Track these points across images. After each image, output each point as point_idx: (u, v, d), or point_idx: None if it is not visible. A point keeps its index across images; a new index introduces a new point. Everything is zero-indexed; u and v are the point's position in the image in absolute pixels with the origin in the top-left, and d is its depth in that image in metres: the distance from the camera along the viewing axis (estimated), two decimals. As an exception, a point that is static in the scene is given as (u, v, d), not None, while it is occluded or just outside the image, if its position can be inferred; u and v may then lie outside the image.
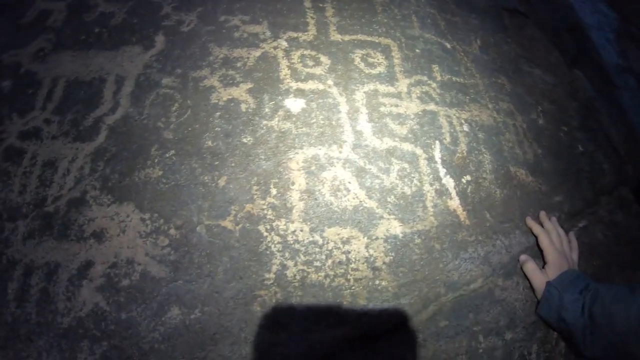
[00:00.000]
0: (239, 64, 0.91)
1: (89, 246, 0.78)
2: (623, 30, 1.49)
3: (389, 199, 0.82)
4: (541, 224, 0.94)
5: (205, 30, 0.97)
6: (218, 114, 0.86)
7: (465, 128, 0.95)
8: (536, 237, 0.91)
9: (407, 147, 0.87)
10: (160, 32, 0.99)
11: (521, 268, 0.88)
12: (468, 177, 0.90)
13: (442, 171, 0.88)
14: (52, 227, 0.80)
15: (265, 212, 0.78)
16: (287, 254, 0.76)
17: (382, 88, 0.92)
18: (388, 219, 0.80)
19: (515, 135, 1.01)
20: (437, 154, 0.89)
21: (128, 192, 0.81)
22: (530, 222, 0.93)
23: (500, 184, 0.94)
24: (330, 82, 0.90)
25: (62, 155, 0.88)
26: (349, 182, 0.81)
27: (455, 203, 0.86)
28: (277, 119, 0.85)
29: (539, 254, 0.91)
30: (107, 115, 0.91)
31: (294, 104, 0.86)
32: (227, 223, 0.78)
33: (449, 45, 1.04)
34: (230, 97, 0.88)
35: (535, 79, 1.13)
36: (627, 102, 1.32)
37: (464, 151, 0.92)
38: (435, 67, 0.99)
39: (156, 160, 0.83)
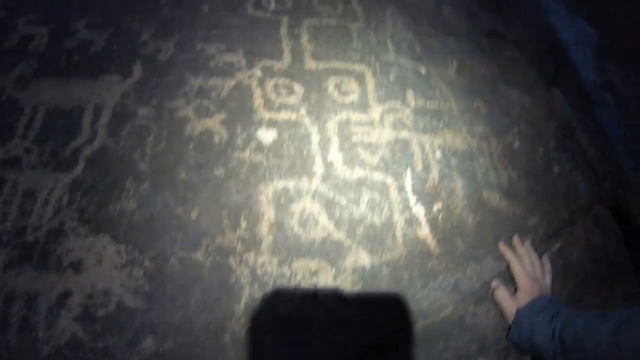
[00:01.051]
0: (213, 94, 0.93)
1: (67, 276, 0.80)
2: (602, 45, 1.49)
3: (358, 230, 0.83)
4: (514, 249, 0.95)
5: (182, 59, 0.98)
6: (192, 145, 0.88)
7: (438, 155, 0.96)
8: (508, 263, 0.93)
9: (378, 176, 0.89)
10: (138, 61, 1.01)
11: (492, 294, 0.89)
12: (439, 205, 0.91)
13: (412, 200, 0.89)
14: (31, 257, 0.82)
15: (235, 244, 0.79)
16: (256, 286, 0.78)
17: (355, 116, 0.93)
18: (356, 250, 0.82)
19: (490, 160, 1.02)
20: (408, 183, 0.90)
21: (104, 224, 0.83)
22: (503, 248, 0.94)
23: (473, 210, 0.95)
24: (303, 111, 0.91)
25: (42, 186, 0.90)
26: (318, 214, 0.82)
27: (425, 232, 0.88)
28: (249, 150, 0.86)
29: (511, 280, 0.93)
30: (85, 145, 0.93)
31: (266, 135, 0.88)
32: (199, 255, 0.80)
33: (424, 70, 1.05)
34: (204, 128, 0.89)
35: (512, 101, 1.14)
36: (604, 119, 1.32)
37: (435, 178, 0.93)
38: (410, 93, 1.00)
39: (131, 193, 0.85)
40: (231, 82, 0.94)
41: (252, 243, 0.80)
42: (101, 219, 0.84)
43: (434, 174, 0.93)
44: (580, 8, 1.61)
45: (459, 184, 0.95)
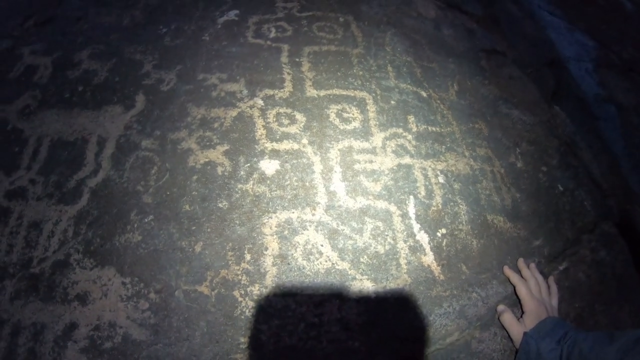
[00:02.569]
0: (215, 125, 0.94)
1: (73, 308, 0.81)
2: (602, 58, 1.48)
3: (361, 259, 0.83)
4: (519, 272, 0.95)
5: (184, 89, 0.99)
6: (195, 177, 0.89)
7: (441, 179, 0.96)
8: (514, 287, 0.92)
9: (381, 204, 0.89)
10: (141, 92, 1.02)
11: (498, 319, 0.89)
12: (443, 230, 0.91)
13: (416, 227, 0.89)
14: (38, 288, 0.83)
15: (240, 277, 0.80)
16: (261, 319, 0.78)
17: (357, 144, 0.93)
18: (361, 279, 0.82)
19: (493, 182, 1.02)
20: (412, 210, 0.90)
21: (109, 256, 0.84)
22: (508, 272, 0.94)
23: (477, 234, 0.95)
24: (305, 140, 0.92)
25: (47, 217, 0.91)
26: (322, 245, 0.82)
27: (429, 259, 0.87)
28: (251, 182, 0.87)
29: (517, 303, 0.92)
30: (89, 177, 0.94)
31: (269, 166, 0.88)
32: (204, 288, 0.80)
33: (424, 94, 1.05)
34: (207, 159, 0.90)
35: (514, 120, 1.14)
36: (608, 133, 1.31)
37: (439, 204, 0.93)
38: (411, 118, 1.00)
39: (136, 225, 0.86)
40: (233, 113, 0.95)
41: (257, 275, 0.80)
42: (106, 252, 0.85)
43: (437, 199, 0.93)
44: (578, 21, 1.62)
45: (462, 209, 0.95)
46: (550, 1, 1.58)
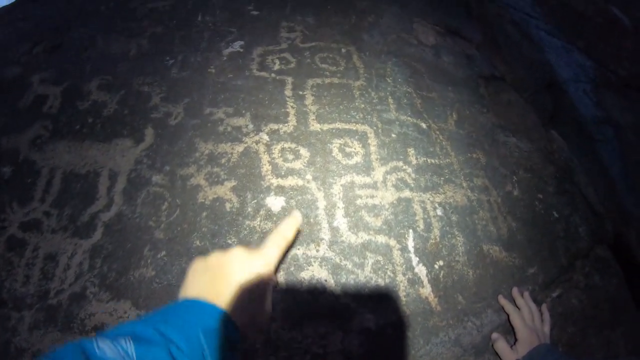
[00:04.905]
0: (223, 160, 0.97)
1: (90, 339, 0.86)
2: (599, 77, 1.51)
3: (363, 293, 0.88)
4: (513, 301, 1.00)
5: (191, 124, 1.03)
6: (205, 213, 0.93)
7: (439, 212, 1.00)
8: (508, 315, 0.97)
9: (382, 239, 0.93)
10: (150, 125, 1.05)
11: (492, 346, 0.94)
12: (440, 263, 0.96)
13: (414, 260, 0.93)
14: (56, 319, 0.88)
15: (249, 312, 0.84)
16: (269, 350, 0.83)
17: (359, 179, 0.97)
18: (362, 312, 0.87)
19: (489, 212, 1.06)
20: (410, 243, 0.94)
21: (125, 290, 0.89)
22: (502, 301, 0.98)
23: (473, 264, 0.99)
24: (309, 176, 0.95)
25: (62, 250, 0.95)
26: (326, 280, 0.87)
27: (427, 290, 0.92)
28: (259, 219, 0.91)
29: (511, 331, 0.97)
30: (102, 212, 0.98)
31: (275, 203, 0.92)
32: (215, 322, 0.85)
33: (424, 125, 1.08)
34: (215, 196, 0.94)
35: (511, 148, 1.17)
36: (605, 156, 1.35)
37: (437, 236, 0.97)
38: (411, 151, 1.04)
39: (149, 261, 0.90)
40: (239, 148, 0.98)
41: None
42: (122, 285, 0.89)
43: (435, 232, 0.97)
44: (576, 39, 1.63)
45: (459, 240, 0.99)
46: (548, 21, 1.59)
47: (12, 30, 1.47)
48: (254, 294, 0.58)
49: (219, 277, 0.58)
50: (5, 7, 1.63)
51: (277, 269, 0.69)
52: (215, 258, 0.61)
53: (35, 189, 1.04)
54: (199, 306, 0.53)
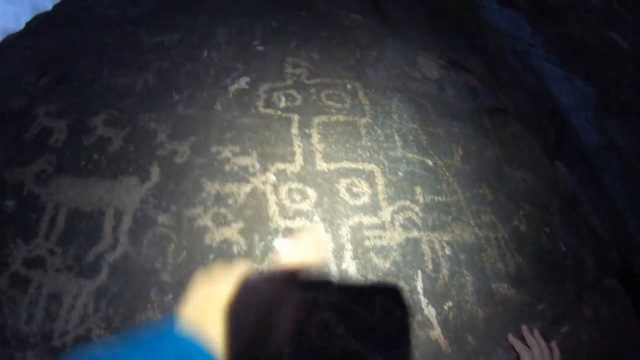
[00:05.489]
0: (230, 201, 0.97)
1: (95, 384, 0.84)
2: (601, 104, 1.52)
3: (372, 337, 0.87)
4: (523, 339, 0.99)
5: (197, 162, 1.03)
6: (212, 256, 0.92)
7: (447, 252, 0.99)
8: (518, 354, 0.96)
9: (391, 281, 0.92)
10: (155, 163, 1.05)
11: (504, 387, 0.93)
12: (450, 303, 0.95)
13: (424, 302, 0.93)
14: (59, 361, 0.86)
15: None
16: (278, 401, 0.81)
17: (366, 220, 0.97)
18: (372, 357, 0.85)
19: (497, 250, 1.05)
20: (419, 284, 0.94)
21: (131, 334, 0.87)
22: (512, 339, 0.97)
23: (482, 303, 0.98)
24: (316, 218, 0.95)
25: (67, 290, 0.94)
26: (336, 325, 0.86)
27: (436, 332, 0.91)
28: (267, 262, 0.90)
29: (521, 370, 0.96)
30: (108, 252, 0.97)
31: (283, 245, 0.91)
32: (223, 370, 0.83)
33: (431, 162, 1.08)
34: (223, 237, 0.93)
35: (517, 182, 1.17)
36: (610, 183, 1.35)
37: (445, 277, 0.97)
38: (418, 189, 1.04)
39: (156, 305, 0.89)
40: (246, 188, 0.98)
41: (275, 354, 0.83)
42: (128, 329, 0.88)
43: (444, 272, 0.97)
44: (576, 66, 1.65)
45: (468, 280, 0.99)
46: (548, 50, 1.61)
47: (19, 59, 1.47)
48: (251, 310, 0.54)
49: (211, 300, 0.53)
50: (14, 35, 1.63)
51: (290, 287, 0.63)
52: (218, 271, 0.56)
53: (40, 225, 1.03)
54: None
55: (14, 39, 1.60)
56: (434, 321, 0.92)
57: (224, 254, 0.92)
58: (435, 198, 1.04)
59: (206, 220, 0.95)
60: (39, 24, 1.64)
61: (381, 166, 1.04)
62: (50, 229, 1.03)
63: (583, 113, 1.43)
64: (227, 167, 1.01)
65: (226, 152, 1.03)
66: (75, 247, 0.98)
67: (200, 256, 0.92)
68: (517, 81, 1.38)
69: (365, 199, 0.99)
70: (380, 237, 0.96)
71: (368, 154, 1.05)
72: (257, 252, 0.91)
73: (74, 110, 1.22)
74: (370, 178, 1.02)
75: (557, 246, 1.16)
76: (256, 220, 0.95)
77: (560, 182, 1.24)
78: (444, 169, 1.09)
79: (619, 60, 1.86)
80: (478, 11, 1.62)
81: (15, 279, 0.95)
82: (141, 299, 0.90)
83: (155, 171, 1.05)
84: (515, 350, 0.97)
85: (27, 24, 1.71)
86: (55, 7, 1.71)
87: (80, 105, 1.22)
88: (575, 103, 1.44)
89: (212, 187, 0.99)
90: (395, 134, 1.09)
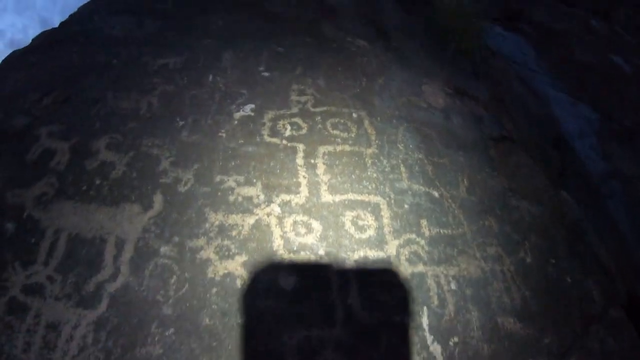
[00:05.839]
0: (234, 233, 0.95)
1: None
2: (605, 130, 1.53)
3: (378, 378, 0.85)
4: (529, 377, 0.97)
5: (201, 191, 1.01)
6: (215, 289, 0.90)
7: (453, 286, 0.98)
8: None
9: (396, 319, 0.91)
10: (158, 191, 1.03)
11: None
12: (455, 339, 0.93)
13: (429, 338, 0.91)
14: (56, 395, 0.84)
15: (260, 400, 0.81)
16: None
17: (372, 254, 0.95)
18: (378, 399, 0.84)
19: (503, 283, 1.04)
20: (425, 321, 0.92)
21: (130, 370, 0.85)
22: (518, 377, 0.96)
23: (488, 338, 0.97)
24: (322, 252, 0.94)
25: (65, 320, 0.92)
26: (340, 365, 0.84)
27: (443, 371, 0.90)
28: (271, 298, 0.88)
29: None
30: (108, 282, 0.95)
31: (287, 281, 0.90)
32: (224, 409, 0.81)
33: (437, 194, 1.08)
34: (226, 271, 0.92)
35: (522, 212, 1.16)
36: (615, 212, 1.35)
37: (451, 312, 0.95)
38: (424, 222, 1.03)
39: (157, 338, 0.87)
40: (250, 220, 0.96)
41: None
42: (127, 365, 0.86)
43: (450, 307, 0.95)
44: (580, 91, 1.66)
45: (474, 315, 0.97)
46: (552, 75, 1.62)
47: (23, 76, 1.46)
48: None
49: None
50: (19, 51, 1.63)
51: None
52: None
53: (39, 250, 1.01)
54: None
55: (19, 55, 1.59)
56: (440, 358, 0.90)
57: (227, 288, 0.90)
58: (441, 231, 1.03)
59: (209, 252, 0.94)
60: (44, 41, 1.64)
61: (387, 198, 1.03)
62: (49, 254, 1.01)
63: (587, 139, 1.43)
64: (231, 197, 1.00)
65: (230, 182, 1.02)
66: (75, 275, 0.96)
67: (202, 289, 0.91)
68: (521, 107, 1.37)
69: (370, 232, 0.98)
70: (385, 272, 0.94)
71: (374, 185, 1.04)
72: (261, 286, 0.90)
73: (76, 132, 1.20)
74: (376, 211, 1.01)
75: (563, 278, 1.15)
76: (260, 254, 0.93)
77: (566, 213, 1.23)
78: (449, 200, 1.08)
79: (622, 84, 1.87)
80: (482, 36, 1.63)
81: (13, 305, 0.93)
82: (142, 331, 0.88)
83: (158, 199, 1.04)
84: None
85: (33, 40, 1.70)
86: (62, 24, 1.71)
87: (83, 127, 1.21)
88: (579, 129, 1.45)
89: (215, 218, 0.98)
90: (402, 165, 1.09)
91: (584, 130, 1.46)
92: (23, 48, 1.65)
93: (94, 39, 1.51)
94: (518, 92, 1.43)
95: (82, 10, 1.78)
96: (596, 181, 1.36)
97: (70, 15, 1.77)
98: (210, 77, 1.23)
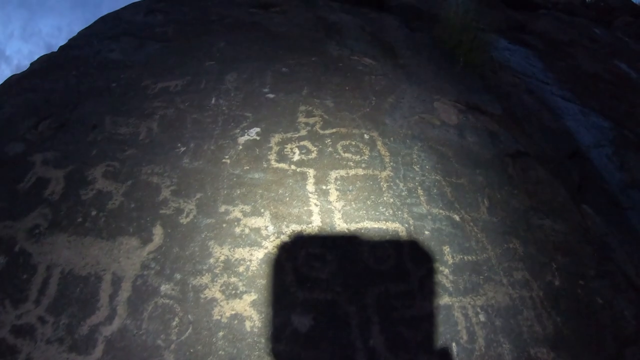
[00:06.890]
0: (241, 269, 0.87)
1: None
2: (619, 139, 1.48)
3: None
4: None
5: (204, 223, 0.94)
6: (221, 333, 0.82)
7: (482, 318, 0.90)
8: None
9: (424, 357, 0.82)
10: (158, 223, 0.96)
11: None
12: (488, 379, 0.85)
13: (461, 381, 0.82)
14: None
15: None
16: None
17: (393, 287, 0.87)
18: None
19: (533, 310, 0.96)
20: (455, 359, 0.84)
21: None
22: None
23: (522, 375, 0.88)
24: (338, 288, 0.86)
25: (58, 367, 0.83)
26: (365, 417, 0.75)
27: (477, 418, 0.81)
28: (284, 341, 0.80)
29: None
30: (104, 324, 0.86)
31: (302, 321, 0.82)
32: None
33: (457, 217, 1.01)
34: (233, 312, 0.83)
35: (547, 232, 1.09)
36: (637, 223, 1.28)
37: (482, 347, 0.87)
38: (446, 249, 0.95)
39: (157, 391, 0.78)
40: (259, 254, 0.89)
41: None
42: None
43: (480, 342, 0.87)
44: (590, 100, 1.62)
45: (505, 348, 0.89)
46: (561, 86, 1.58)
47: (19, 102, 1.40)
48: None
49: None
50: (16, 76, 1.58)
51: None
52: None
53: (31, 287, 0.93)
54: None
55: (17, 80, 1.54)
56: (472, 403, 0.82)
57: (235, 331, 0.82)
58: (465, 257, 0.96)
59: (214, 291, 0.86)
60: (42, 65, 1.59)
61: (406, 225, 0.96)
62: (41, 292, 0.93)
63: (603, 150, 1.38)
64: (238, 229, 0.92)
65: (236, 212, 0.94)
66: (68, 316, 0.88)
67: (207, 333, 0.82)
68: (534, 120, 1.33)
69: (391, 263, 0.90)
70: (409, 307, 0.86)
71: (391, 211, 0.97)
72: (273, 329, 0.81)
73: (72, 160, 1.14)
74: (394, 238, 0.93)
75: (594, 299, 1.07)
76: (270, 292, 0.85)
77: (590, 228, 1.17)
78: (471, 223, 1.01)
79: (630, 91, 1.83)
80: (489, 50, 1.59)
81: (2, 347, 0.84)
82: (141, 383, 0.79)
83: (158, 232, 0.96)
84: None
85: (32, 64, 1.66)
86: (61, 48, 1.67)
87: (79, 155, 1.14)
88: (593, 139, 1.39)
89: (220, 253, 0.90)
90: (419, 188, 1.02)
91: (598, 139, 1.41)
92: (21, 73, 1.60)
93: (92, 62, 1.46)
94: (529, 104, 1.39)
95: (81, 34, 1.75)
96: (616, 193, 1.29)
97: (70, 40, 1.74)
98: (213, 100, 1.17)
